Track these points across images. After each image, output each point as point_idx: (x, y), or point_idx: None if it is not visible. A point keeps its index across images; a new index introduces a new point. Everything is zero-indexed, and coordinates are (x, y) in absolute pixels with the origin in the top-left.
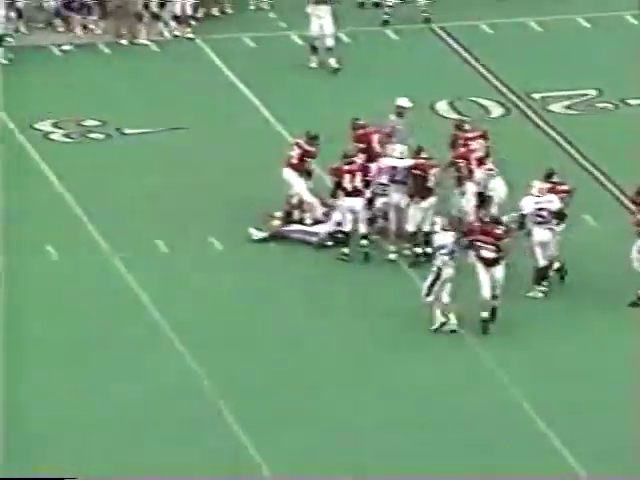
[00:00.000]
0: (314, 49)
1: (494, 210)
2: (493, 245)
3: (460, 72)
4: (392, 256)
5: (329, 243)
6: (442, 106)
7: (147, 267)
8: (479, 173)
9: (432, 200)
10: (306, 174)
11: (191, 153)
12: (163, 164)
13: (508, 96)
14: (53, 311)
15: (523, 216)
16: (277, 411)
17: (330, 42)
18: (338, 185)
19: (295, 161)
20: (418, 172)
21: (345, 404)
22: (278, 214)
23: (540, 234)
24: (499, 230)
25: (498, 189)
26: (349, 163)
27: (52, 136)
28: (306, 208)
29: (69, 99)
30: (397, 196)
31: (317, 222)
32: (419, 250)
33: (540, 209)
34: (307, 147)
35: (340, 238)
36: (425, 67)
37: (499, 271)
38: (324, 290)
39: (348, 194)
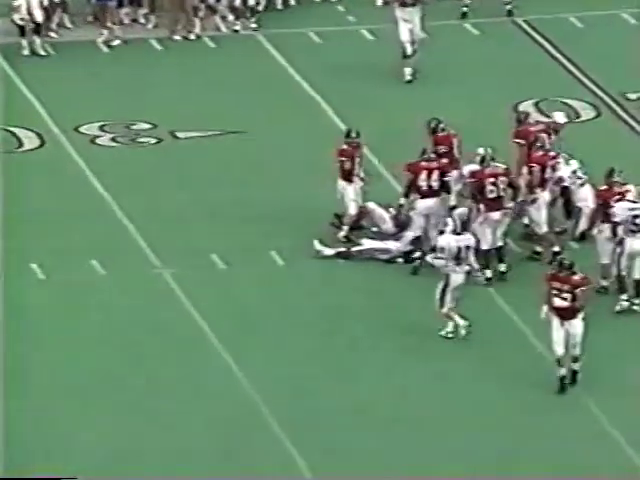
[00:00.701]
0: (405, 56)
1: (583, 223)
2: (569, 293)
3: (546, 70)
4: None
5: (400, 260)
6: (527, 107)
7: (201, 284)
8: (567, 178)
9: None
10: (347, 177)
11: (250, 159)
12: (219, 170)
13: (600, 96)
14: (99, 331)
15: (615, 224)
16: (338, 441)
17: (411, 49)
18: (412, 183)
19: (338, 166)
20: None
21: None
22: (342, 232)
23: (634, 244)
24: (577, 277)
25: (588, 199)
26: (427, 160)
27: (99, 140)
28: (345, 221)
29: (117, 100)
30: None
31: (380, 234)
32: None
33: (635, 216)
34: (342, 146)
35: (414, 258)
36: (508, 64)
37: (577, 326)
38: (393, 307)
39: (423, 194)
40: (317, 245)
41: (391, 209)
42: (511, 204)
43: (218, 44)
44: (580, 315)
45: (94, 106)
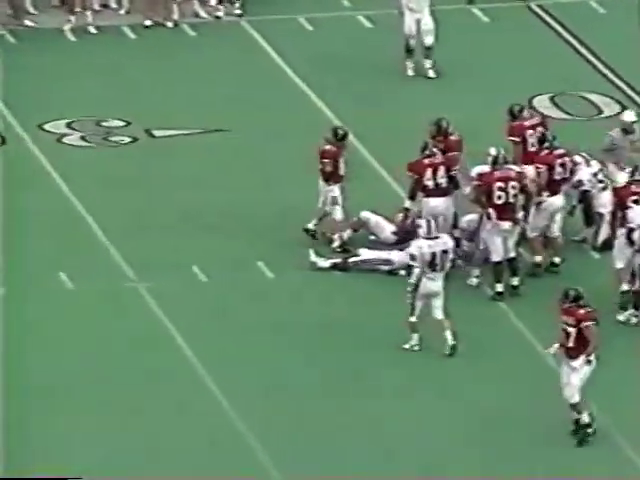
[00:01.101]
0: (409, 51)
1: (605, 231)
2: (573, 327)
3: (564, 61)
4: (474, 281)
5: (402, 272)
6: (542, 102)
7: (181, 298)
8: (586, 182)
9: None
10: (328, 180)
11: (234, 159)
12: (200, 173)
13: (623, 90)
14: (68, 350)
15: (631, 230)
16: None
17: (429, 40)
18: (417, 184)
19: (319, 167)
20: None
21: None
22: (337, 236)
23: None
24: (582, 310)
25: (609, 205)
26: (430, 156)
27: (66, 139)
28: (336, 229)
29: (86, 94)
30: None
31: (379, 243)
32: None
33: None
34: (325, 146)
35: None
36: (520, 55)
37: (581, 370)
38: (390, 320)
39: (430, 194)
40: (312, 256)
41: (399, 215)
42: (521, 214)
43: (198, 32)
44: (583, 356)
45: (60, 101)
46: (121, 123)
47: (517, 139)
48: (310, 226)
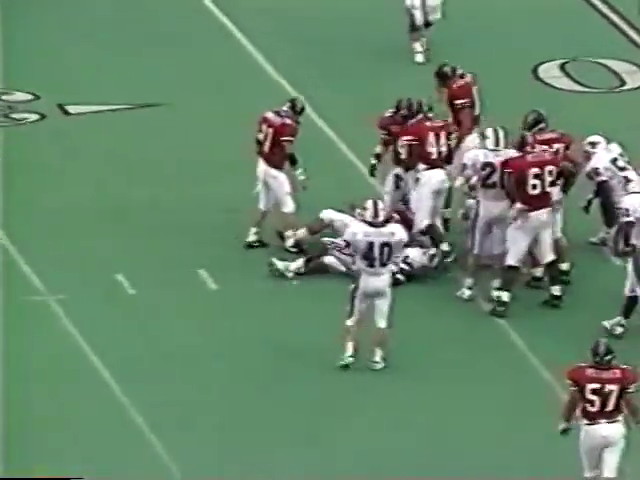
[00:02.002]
0: (414, 28)
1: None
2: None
3: (577, 20)
4: (466, 292)
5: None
6: (550, 70)
7: (101, 313)
8: (603, 170)
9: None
10: (284, 161)
11: (170, 142)
12: (127, 158)
13: None
14: None
15: (629, 224)
16: None
17: (435, 18)
18: (420, 152)
19: (267, 149)
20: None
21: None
22: (291, 233)
23: None
24: (619, 370)
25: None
26: (428, 119)
27: None
28: (288, 224)
29: None
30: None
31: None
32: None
33: None
34: (277, 120)
35: (401, 280)
36: (527, 13)
37: (614, 449)
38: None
39: (432, 164)
40: (276, 262)
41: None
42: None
43: None
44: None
45: None
46: (27, 97)
47: (463, 102)
48: (251, 239)
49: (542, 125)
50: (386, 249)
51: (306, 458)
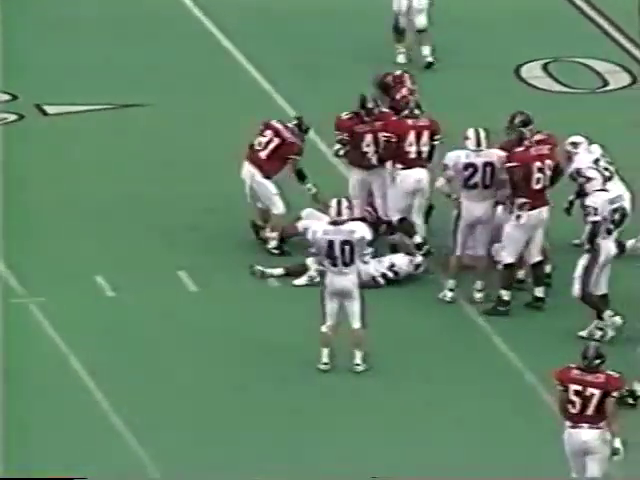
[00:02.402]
0: (399, 32)
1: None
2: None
3: (560, 19)
4: (448, 294)
5: (381, 281)
6: (532, 70)
7: (81, 317)
8: (585, 170)
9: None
10: (276, 174)
11: (151, 143)
12: (107, 159)
13: (635, 55)
14: None
15: (596, 223)
16: None
17: (421, 21)
18: (398, 150)
19: (265, 156)
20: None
21: None
22: (272, 243)
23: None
24: (604, 375)
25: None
26: (411, 117)
27: None
28: (273, 228)
29: None
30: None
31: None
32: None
33: (614, 211)
34: (288, 135)
35: (381, 283)
36: (509, 14)
37: (595, 457)
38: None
39: (409, 164)
40: (257, 267)
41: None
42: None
43: None
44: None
45: None
46: (5, 97)
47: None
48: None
49: (531, 127)
50: (347, 247)
51: (286, 457)
